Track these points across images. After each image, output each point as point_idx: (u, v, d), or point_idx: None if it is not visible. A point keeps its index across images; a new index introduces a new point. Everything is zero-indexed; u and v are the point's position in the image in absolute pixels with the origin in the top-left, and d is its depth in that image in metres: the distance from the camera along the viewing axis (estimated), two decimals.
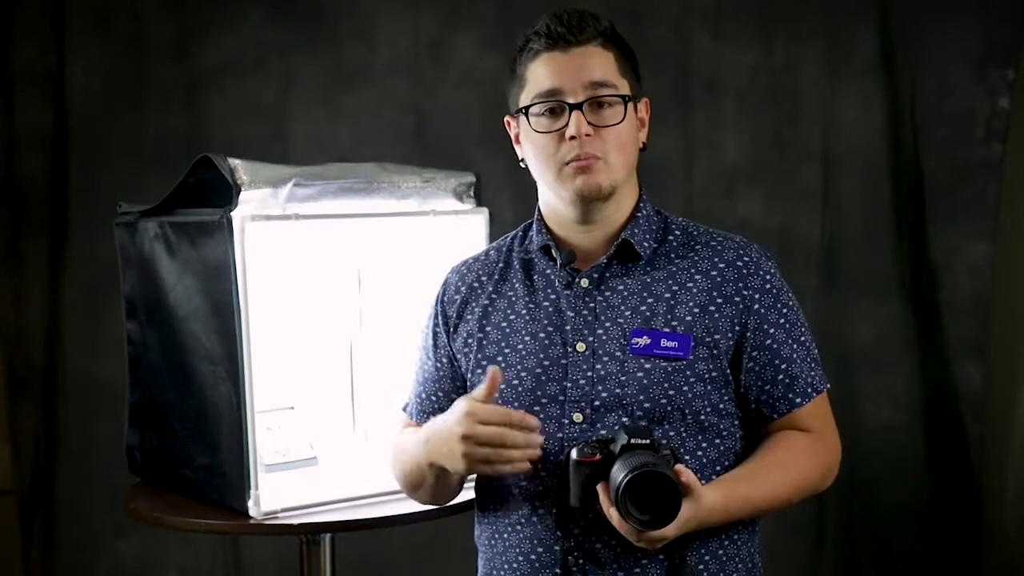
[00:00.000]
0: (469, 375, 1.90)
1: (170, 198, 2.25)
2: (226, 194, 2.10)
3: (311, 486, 2.25)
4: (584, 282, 1.83)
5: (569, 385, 1.79)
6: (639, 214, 1.86)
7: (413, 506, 2.08)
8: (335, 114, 3.58)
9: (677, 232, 1.87)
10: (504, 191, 3.33)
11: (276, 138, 3.57)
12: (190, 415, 2.24)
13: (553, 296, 1.85)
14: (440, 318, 1.95)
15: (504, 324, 1.87)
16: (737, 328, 1.79)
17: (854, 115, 3.44)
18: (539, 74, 1.80)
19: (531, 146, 1.83)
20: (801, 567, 3.49)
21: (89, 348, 3.57)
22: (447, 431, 1.75)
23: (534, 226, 1.90)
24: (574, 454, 1.70)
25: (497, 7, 3.52)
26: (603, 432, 1.75)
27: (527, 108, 1.81)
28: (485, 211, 2.41)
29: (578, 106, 1.78)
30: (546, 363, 1.81)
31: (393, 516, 2.16)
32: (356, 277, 2.54)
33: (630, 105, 1.81)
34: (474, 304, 1.91)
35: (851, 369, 3.41)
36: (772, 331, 1.80)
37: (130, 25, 3.59)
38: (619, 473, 1.63)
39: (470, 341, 1.89)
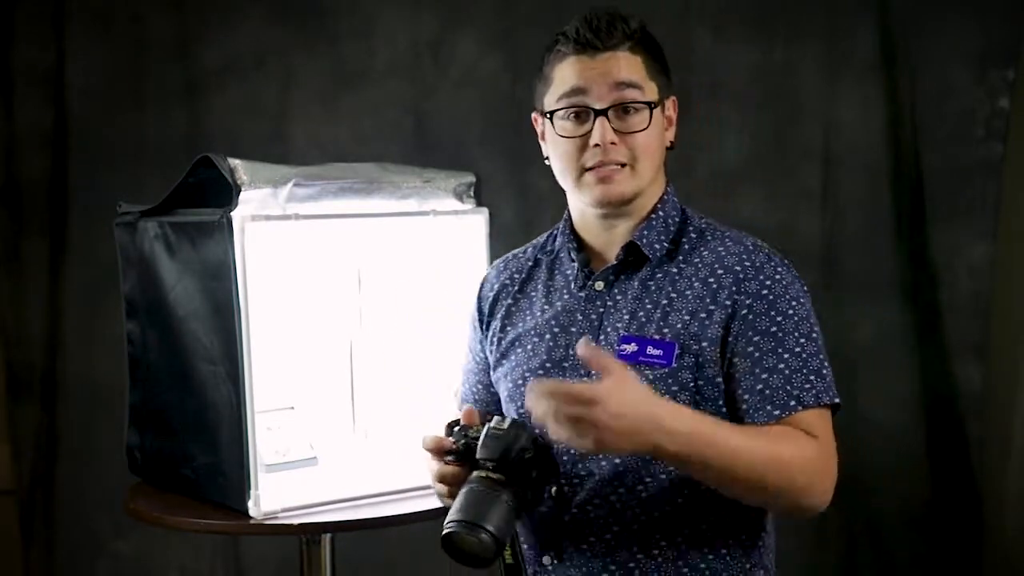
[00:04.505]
0: (492, 371, 1.93)
1: (170, 198, 2.25)
2: (226, 194, 2.10)
3: (311, 486, 2.25)
4: (599, 284, 1.83)
5: None
6: (654, 215, 1.84)
7: (413, 506, 2.09)
8: (335, 114, 3.57)
9: (692, 234, 1.84)
10: (504, 191, 3.33)
11: (276, 138, 3.57)
12: (190, 415, 2.24)
13: (567, 297, 1.86)
14: (476, 314, 1.99)
15: (520, 324, 1.89)
16: (721, 333, 1.74)
17: (854, 115, 3.43)
18: (565, 76, 1.79)
19: (554, 149, 1.83)
20: (801, 567, 3.49)
21: (89, 348, 3.57)
22: None
23: (561, 225, 1.91)
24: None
25: (497, 7, 3.52)
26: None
27: (552, 112, 1.80)
28: (485, 211, 2.41)
29: (603, 112, 1.76)
30: (548, 365, 1.82)
31: (393, 516, 2.16)
32: (356, 277, 2.54)
33: (656, 110, 1.79)
34: (503, 301, 1.94)
35: (851, 369, 3.40)
36: (757, 339, 1.73)
37: (130, 25, 3.59)
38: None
39: (494, 338, 1.92)
